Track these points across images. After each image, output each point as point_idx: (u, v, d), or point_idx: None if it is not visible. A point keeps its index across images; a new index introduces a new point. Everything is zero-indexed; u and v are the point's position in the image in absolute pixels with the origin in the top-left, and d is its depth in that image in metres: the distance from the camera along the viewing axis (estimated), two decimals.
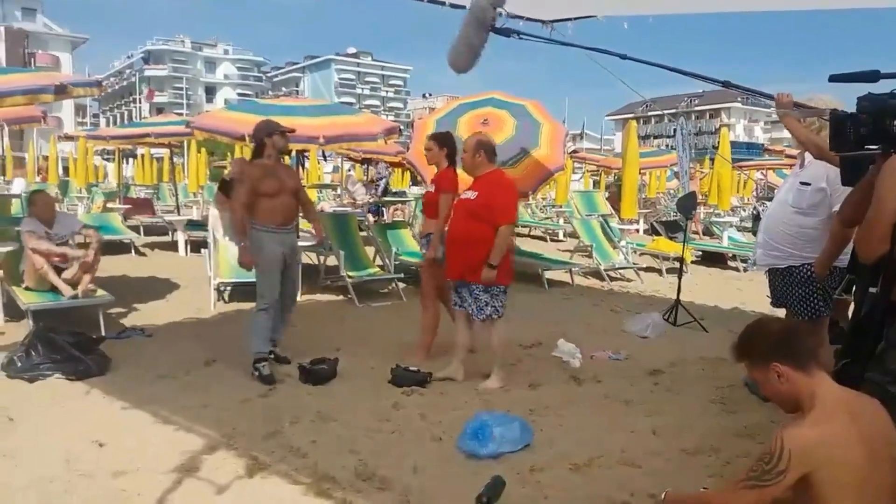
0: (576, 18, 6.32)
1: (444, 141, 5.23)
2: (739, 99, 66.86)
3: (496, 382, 4.58)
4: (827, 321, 3.87)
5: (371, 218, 10.76)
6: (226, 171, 14.48)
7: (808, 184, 3.77)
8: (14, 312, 5.94)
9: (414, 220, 11.96)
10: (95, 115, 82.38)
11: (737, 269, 10.72)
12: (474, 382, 4.63)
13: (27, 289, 5.89)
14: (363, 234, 8.66)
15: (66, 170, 24.85)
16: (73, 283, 5.81)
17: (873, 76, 2.92)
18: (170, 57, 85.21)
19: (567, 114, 53.07)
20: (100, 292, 6.00)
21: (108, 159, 33.64)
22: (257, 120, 7.36)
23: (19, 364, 4.52)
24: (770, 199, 14.45)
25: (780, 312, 4.39)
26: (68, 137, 24.59)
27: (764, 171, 22.18)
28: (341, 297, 7.50)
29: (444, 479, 3.26)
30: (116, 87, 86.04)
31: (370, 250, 8.39)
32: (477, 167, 4.62)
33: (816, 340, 3.78)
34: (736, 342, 2.26)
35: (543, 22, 6.36)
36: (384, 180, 16.68)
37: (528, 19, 6.19)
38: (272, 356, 4.86)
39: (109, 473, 3.23)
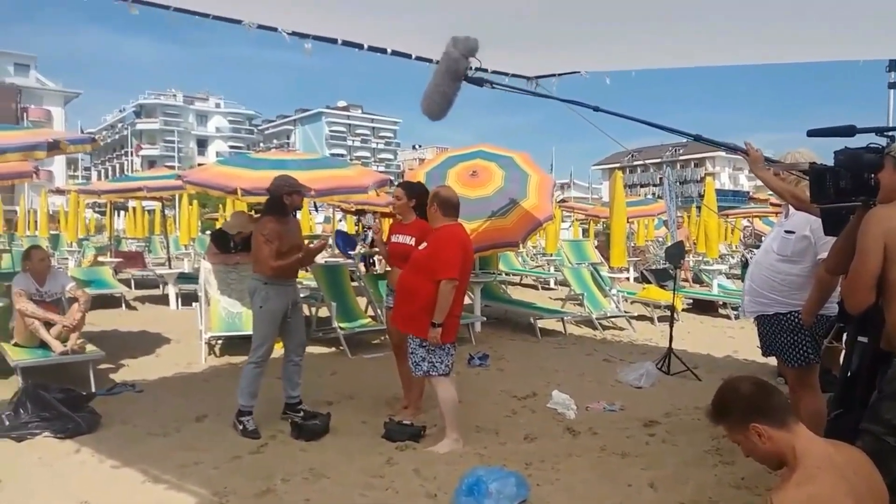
0: (560, 74, 6.52)
1: (413, 191, 5.19)
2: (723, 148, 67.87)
3: (446, 447, 4.36)
4: (817, 368, 3.88)
5: (362, 268, 10.76)
6: (218, 223, 14.52)
7: (793, 232, 3.83)
8: (2, 369, 5.86)
9: None
10: (87, 169, 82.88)
11: (728, 317, 10.76)
12: (469, 436, 4.58)
13: (16, 345, 5.83)
14: (355, 284, 8.67)
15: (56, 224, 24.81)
16: (63, 338, 5.77)
17: (849, 131, 3.03)
18: (162, 110, 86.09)
19: (555, 163, 53.77)
20: (90, 348, 5.96)
21: (100, 212, 33.66)
22: (248, 174, 7.51)
23: (7, 423, 4.44)
24: (757, 247, 14.60)
25: (772, 362, 4.40)
26: (59, 191, 24.63)
27: (750, 219, 22.48)
28: (333, 349, 7.46)
29: None
30: (108, 140, 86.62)
31: (362, 301, 8.39)
32: (433, 219, 4.56)
33: (800, 393, 3.81)
34: (711, 407, 2.25)
35: (528, 78, 6.56)
36: (373, 231, 16.73)
37: (514, 75, 6.39)
38: (300, 416, 4.84)
39: None
